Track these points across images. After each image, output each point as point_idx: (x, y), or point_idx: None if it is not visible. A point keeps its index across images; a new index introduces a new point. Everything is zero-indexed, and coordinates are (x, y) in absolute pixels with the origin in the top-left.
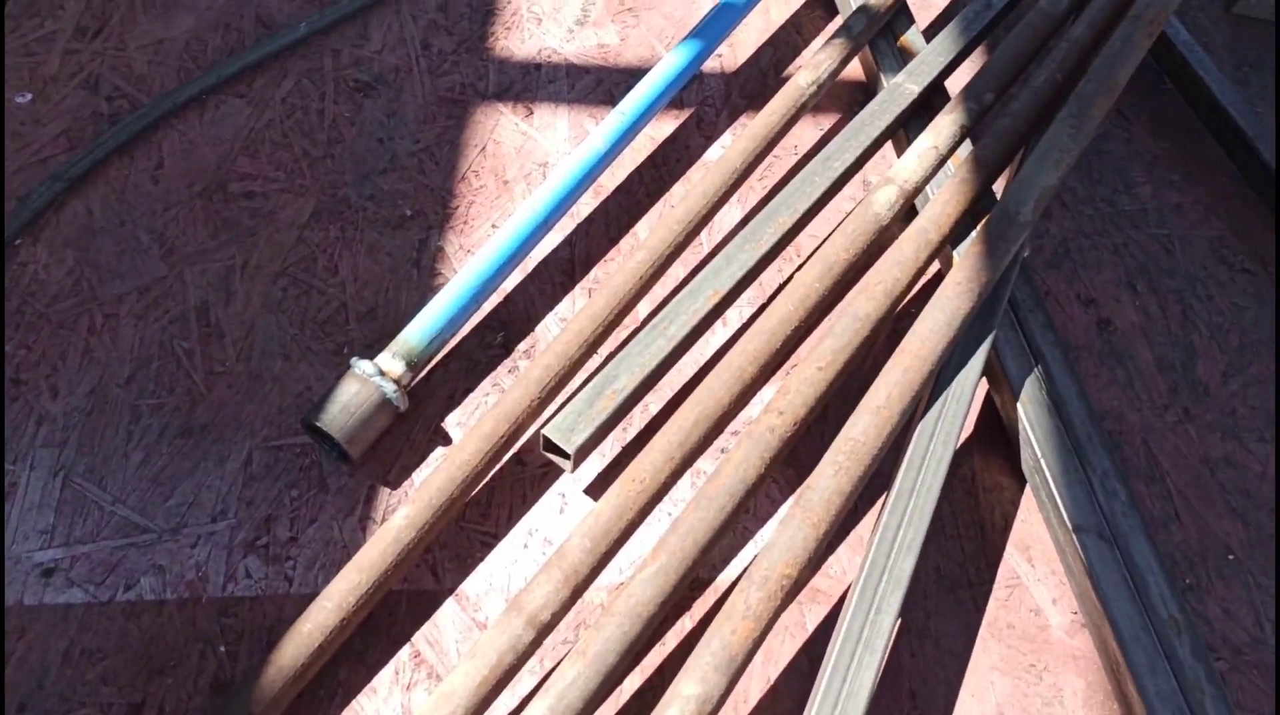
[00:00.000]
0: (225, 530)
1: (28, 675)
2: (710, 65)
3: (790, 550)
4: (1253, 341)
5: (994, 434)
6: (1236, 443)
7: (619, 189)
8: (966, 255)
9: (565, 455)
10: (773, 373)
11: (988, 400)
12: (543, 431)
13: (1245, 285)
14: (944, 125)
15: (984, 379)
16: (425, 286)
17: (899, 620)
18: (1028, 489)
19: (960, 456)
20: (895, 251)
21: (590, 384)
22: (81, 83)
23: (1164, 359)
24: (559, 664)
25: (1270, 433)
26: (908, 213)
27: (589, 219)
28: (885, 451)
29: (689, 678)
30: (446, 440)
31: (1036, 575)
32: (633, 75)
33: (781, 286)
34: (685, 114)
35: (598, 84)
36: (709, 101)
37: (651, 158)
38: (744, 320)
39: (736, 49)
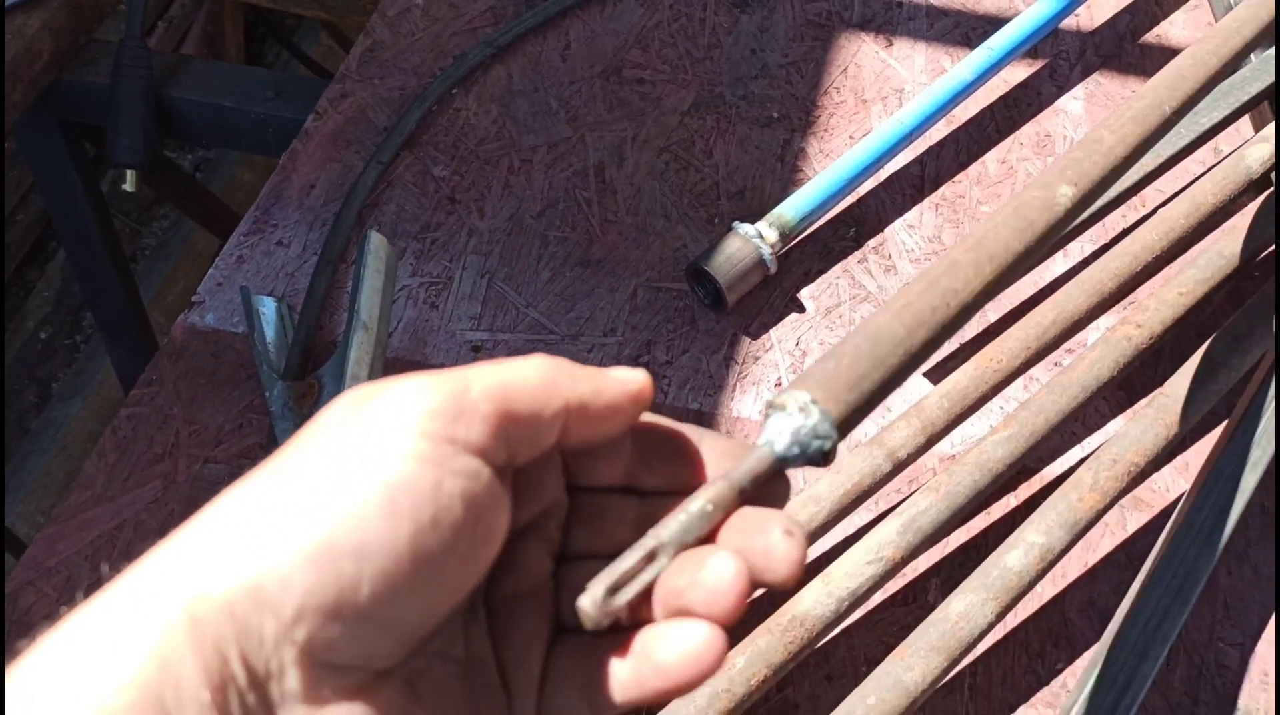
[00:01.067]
0: (614, 344)
1: None
2: (1068, 24)
3: (1141, 442)
4: None
5: None
6: None
7: (970, 122)
8: None
9: None
10: (1128, 293)
11: None
12: None
13: None
14: None
15: None
16: (787, 179)
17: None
18: None
19: None
20: (1267, 202)
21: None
22: None
23: None
24: (910, 496)
25: None
26: (1267, 181)
27: (940, 143)
28: (1238, 378)
29: (1035, 528)
30: (800, 308)
31: None
32: (990, 23)
33: (1125, 232)
34: (1039, 64)
35: (955, 26)
36: (1063, 55)
37: (1004, 98)
38: (1085, 255)
39: (1094, 11)
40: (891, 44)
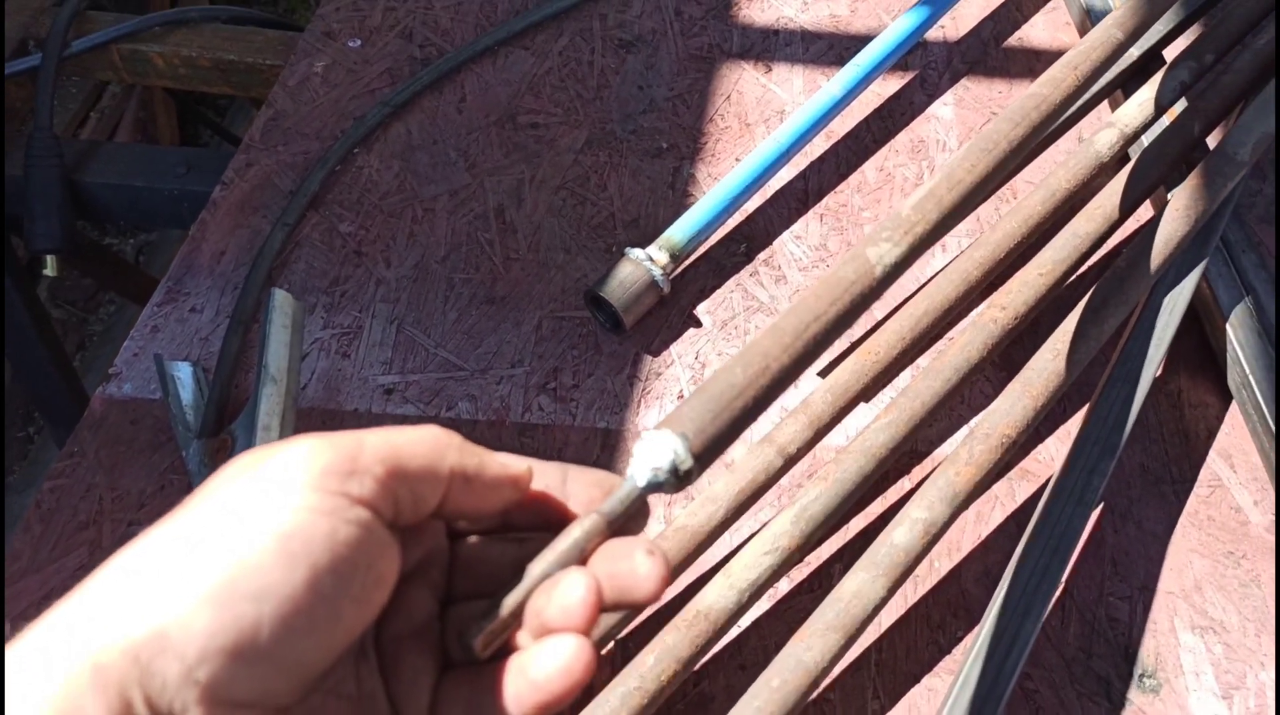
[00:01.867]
0: (522, 374)
1: None
2: (933, 34)
3: (1010, 415)
4: None
5: (1202, 361)
6: None
7: (848, 134)
8: (1185, 186)
9: None
10: (994, 280)
11: (1198, 330)
12: None
13: None
14: (1164, 80)
15: (1194, 311)
16: (679, 204)
17: (1101, 503)
18: (1233, 407)
19: (1167, 376)
20: (1115, 182)
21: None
22: (398, 33)
23: None
24: (800, 489)
25: None
26: (1123, 158)
27: (821, 158)
28: (1098, 347)
29: (918, 505)
30: (698, 323)
31: (1239, 480)
32: (861, 41)
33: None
34: (910, 75)
35: (829, 48)
36: (932, 65)
37: (878, 110)
38: (961, 249)
39: (959, 21)
40: (770, 69)
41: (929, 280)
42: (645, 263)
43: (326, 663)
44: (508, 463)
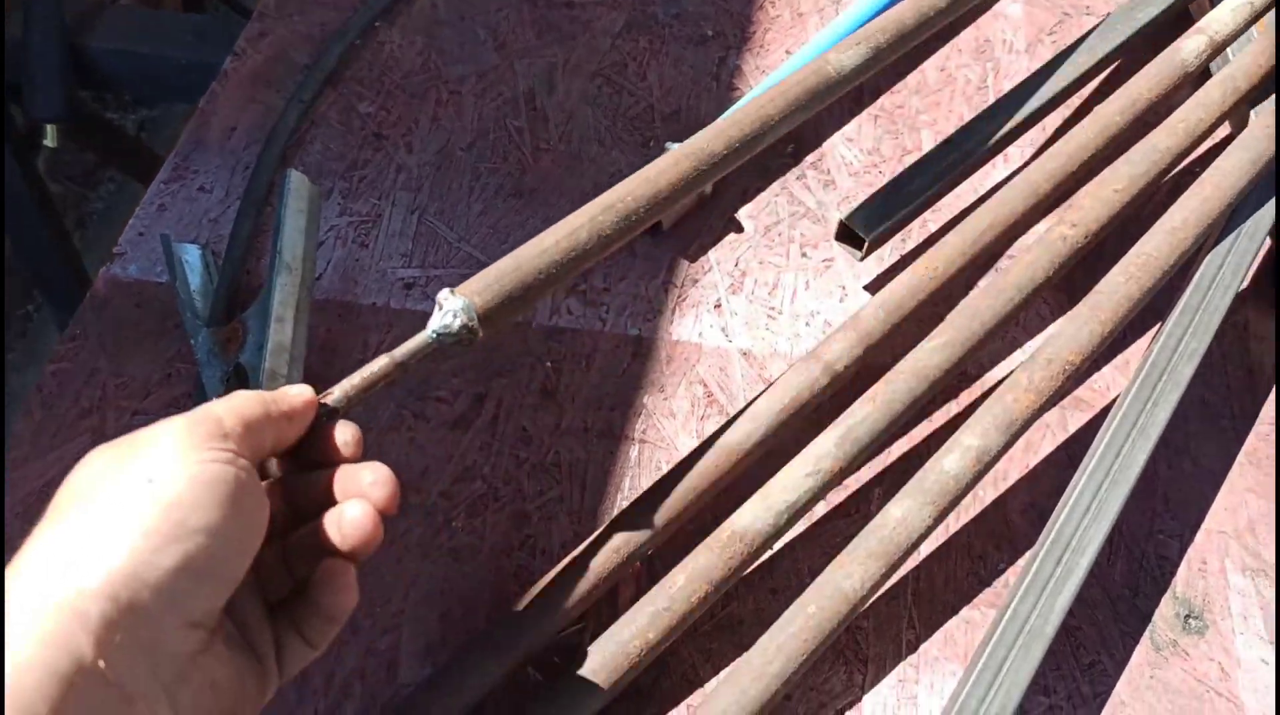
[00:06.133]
0: None
1: None
2: None
3: (1076, 340)
4: None
5: (1269, 292)
6: None
7: None
8: (1270, 105)
9: (858, 244)
10: (1066, 195)
11: (1273, 259)
12: (841, 219)
13: None
14: None
15: (1271, 239)
16: (723, 97)
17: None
18: None
19: (1236, 306)
20: (1202, 93)
21: (887, 182)
22: None
23: None
24: (850, 407)
25: None
26: (1207, 71)
27: None
28: (1174, 270)
29: (971, 432)
30: (739, 228)
31: None
32: None
33: (1061, 131)
34: None
35: None
36: None
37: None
38: (1024, 159)
39: None
40: None
41: (992, 190)
42: None
43: (242, 576)
44: (296, 391)
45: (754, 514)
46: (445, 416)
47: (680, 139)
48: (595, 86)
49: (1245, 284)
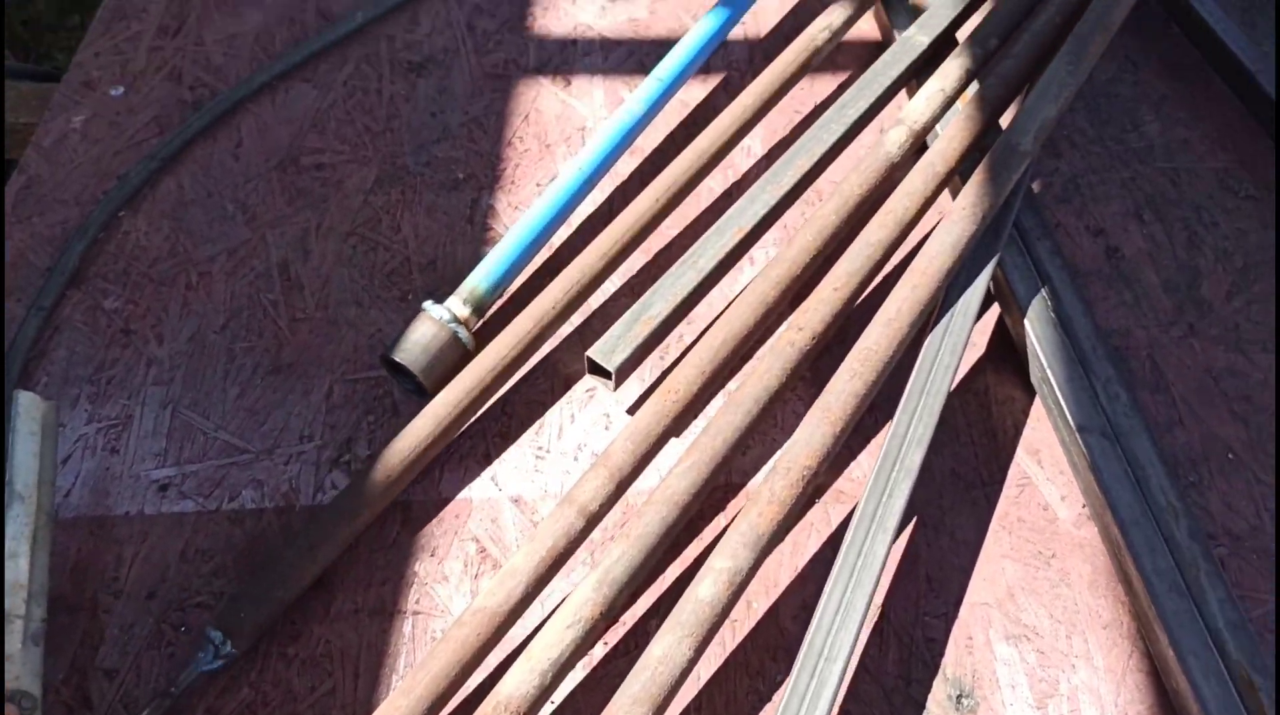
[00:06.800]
0: (313, 450)
1: (152, 570)
2: (735, 34)
3: (810, 444)
4: (1256, 262)
5: (1006, 353)
6: (1239, 354)
7: (655, 150)
8: (971, 183)
9: (607, 375)
10: (794, 297)
11: (1000, 322)
12: (587, 354)
13: (1250, 211)
14: (951, 70)
15: (996, 303)
16: (479, 239)
17: (914, 517)
18: (1036, 399)
19: (974, 373)
20: (906, 184)
21: (629, 311)
22: (166, 75)
23: (1170, 281)
24: (607, 547)
25: (1273, 344)
26: (918, 151)
27: (627, 179)
28: (896, 360)
29: (720, 554)
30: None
31: (1045, 475)
32: (662, 46)
33: None
34: (714, 80)
35: (630, 55)
36: (735, 66)
37: (684, 121)
38: (770, 259)
39: (760, 18)
40: (570, 83)
41: (726, 307)
42: (447, 321)
43: None
44: None
45: (518, 679)
46: (207, 623)
47: (437, 289)
48: (350, 246)
49: (973, 356)
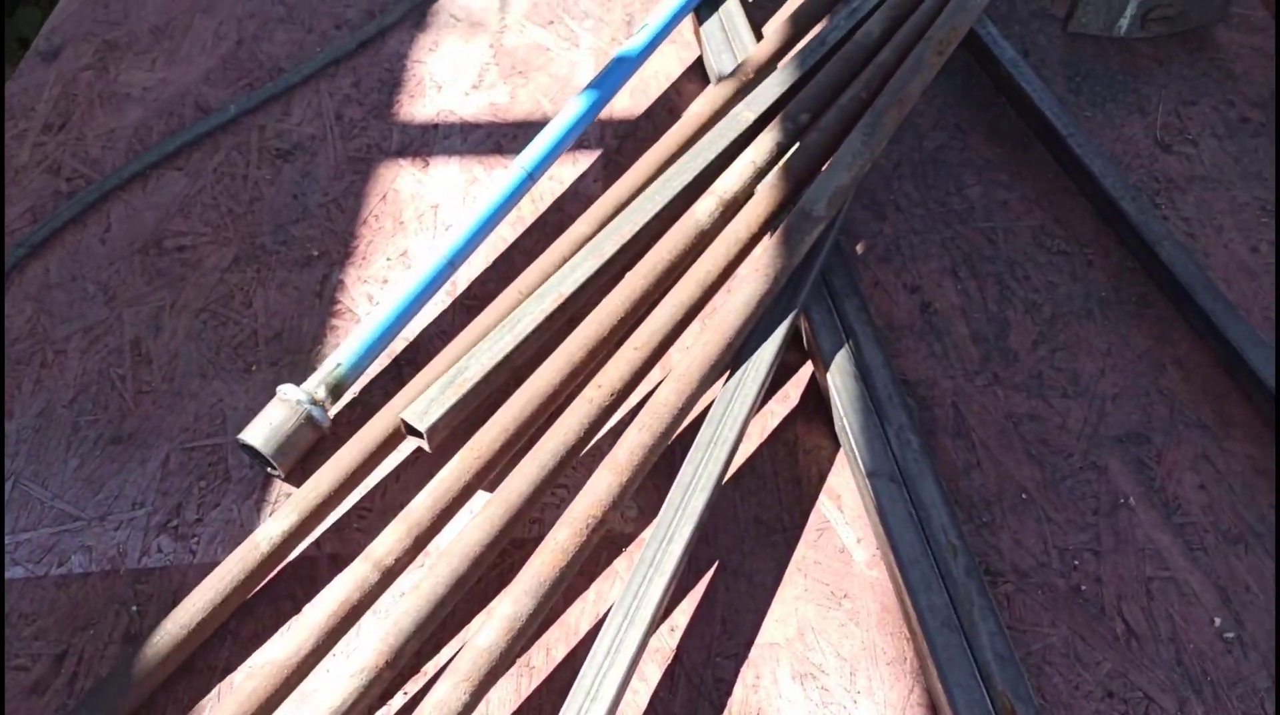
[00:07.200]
0: (143, 516)
1: None
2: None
3: (596, 495)
4: (1064, 313)
5: (818, 405)
6: (1040, 400)
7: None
8: (764, 245)
9: (421, 435)
10: (600, 358)
11: (812, 376)
12: (400, 415)
13: (1061, 264)
14: (763, 143)
15: (809, 360)
16: (325, 312)
17: (716, 561)
18: (841, 449)
19: (785, 424)
20: (711, 250)
21: (445, 375)
22: (46, 168)
23: (979, 332)
24: (396, 596)
25: (1073, 389)
26: (728, 220)
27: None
28: (686, 412)
29: (504, 600)
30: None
31: (844, 519)
32: (519, 127)
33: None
34: (576, 161)
35: (488, 136)
36: (585, 143)
37: (550, 204)
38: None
39: (613, 104)
40: (428, 164)
41: (533, 370)
42: (303, 403)
43: None
44: None
45: None
46: (22, 684)
47: (280, 359)
48: (200, 322)
49: (795, 404)
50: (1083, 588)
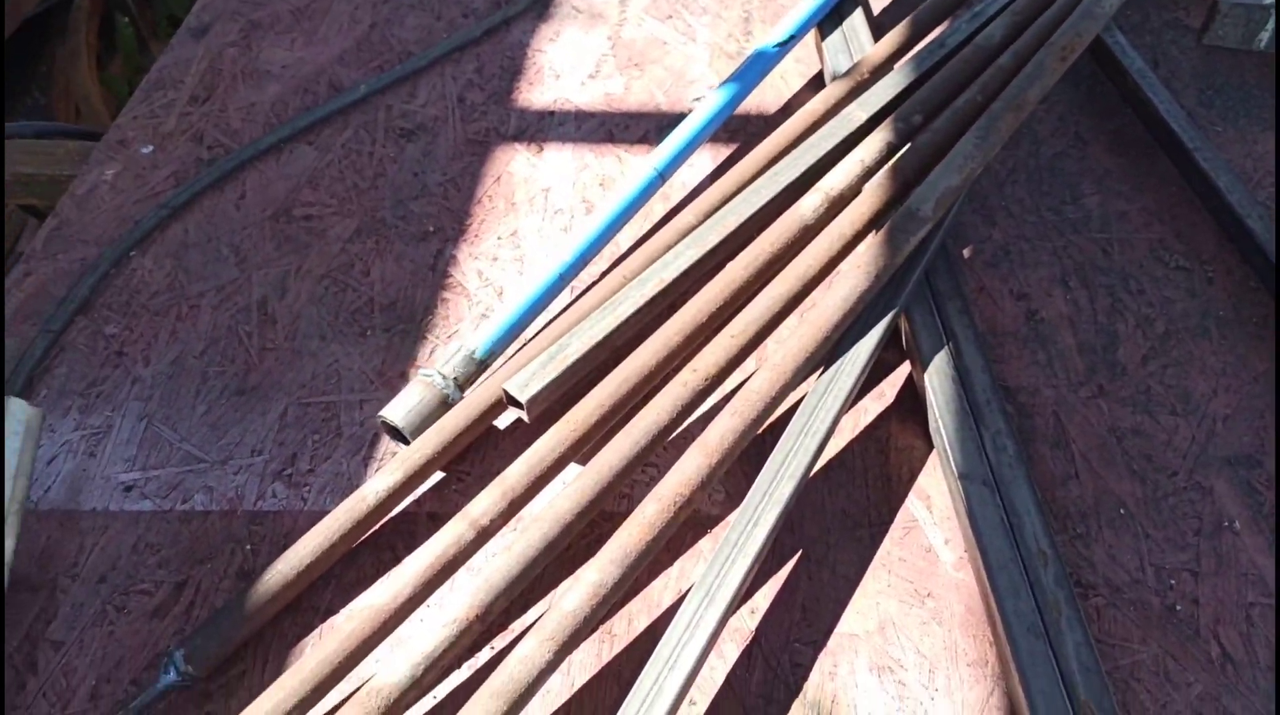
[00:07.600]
0: (261, 462)
1: (106, 559)
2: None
3: (685, 474)
4: (1178, 329)
5: (914, 406)
6: (1147, 415)
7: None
8: (868, 243)
9: (521, 406)
10: (698, 343)
11: (909, 376)
12: (503, 386)
13: (1179, 280)
14: (873, 142)
15: (907, 360)
16: (437, 285)
17: (800, 550)
18: (934, 450)
19: (879, 422)
20: (814, 245)
21: (547, 350)
22: (190, 137)
23: (1086, 343)
24: (493, 555)
25: (1183, 407)
26: (835, 217)
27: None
28: (777, 402)
29: (591, 568)
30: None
31: (933, 520)
32: (632, 118)
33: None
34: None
35: (600, 125)
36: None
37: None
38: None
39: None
40: (542, 149)
41: (632, 351)
42: (437, 382)
43: None
44: None
45: (392, 667)
46: (145, 607)
47: (393, 326)
48: (323, 287)
49: (890, 402)
50: (1178, 608)
